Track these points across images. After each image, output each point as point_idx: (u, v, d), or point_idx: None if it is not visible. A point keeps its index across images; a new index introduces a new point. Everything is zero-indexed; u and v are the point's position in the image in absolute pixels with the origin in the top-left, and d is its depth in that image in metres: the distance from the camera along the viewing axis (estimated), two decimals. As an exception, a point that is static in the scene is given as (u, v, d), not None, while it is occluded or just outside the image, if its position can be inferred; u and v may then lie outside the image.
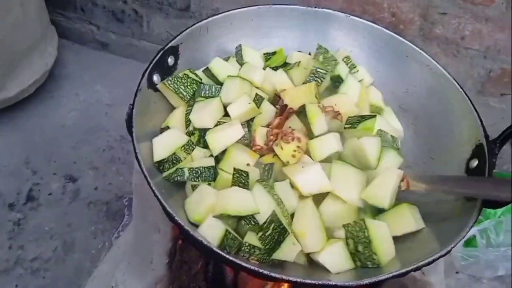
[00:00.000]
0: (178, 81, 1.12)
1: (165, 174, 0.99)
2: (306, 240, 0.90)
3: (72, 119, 2.20)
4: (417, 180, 0.95)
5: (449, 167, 1.07)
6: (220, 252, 0.82)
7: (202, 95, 1.12)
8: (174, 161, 1.00)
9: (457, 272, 1.81)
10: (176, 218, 0.85)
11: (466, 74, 1.88)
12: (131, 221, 1.77)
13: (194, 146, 1.03)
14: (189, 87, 1.13)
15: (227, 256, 0.81)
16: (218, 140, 1.03)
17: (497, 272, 1.76)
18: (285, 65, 1.25)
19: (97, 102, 2.31)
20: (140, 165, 0.91)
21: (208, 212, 0.91)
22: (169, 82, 1.11)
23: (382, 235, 0.90)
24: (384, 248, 0.90)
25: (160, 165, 1.00)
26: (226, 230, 0.87)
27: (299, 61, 1.20)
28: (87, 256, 1.76)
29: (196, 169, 0.98)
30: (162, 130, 1.08)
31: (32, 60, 2.09)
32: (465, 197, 0.95)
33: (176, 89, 1.12)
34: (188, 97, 1.12)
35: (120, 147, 2.12)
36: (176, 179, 0.98)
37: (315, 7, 1.27)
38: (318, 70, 1.15)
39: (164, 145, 1.00)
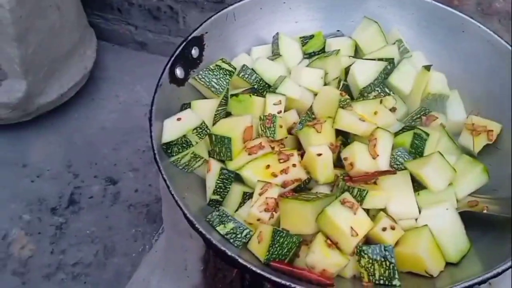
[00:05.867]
0: (209, 74, 1.04)
1: (173, 158, 0.91)
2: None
3: (112, 121, 2.19)
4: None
5: (518, 158, 0.91)
6: (243, 262, 0.72)
7: (240, 76, 1.03)
8: (184, 145, 0.91)
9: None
10: (197, 225, 0.76)
11: (534, 52, 1.66)
12: (169, 225, 1.71)
13: (207, 130, 0.93)
14: (222, 79, 1.05)
15: (249, 266, 0.71)
16: None
17: None
18: (323, 51, 1.13)
19: (137, 103, 2.28)
20: (162, 174, 0.83)
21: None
22: (200, 76, 1.04)
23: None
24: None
25: (168, 148, 0.91)
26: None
27: (338, 50, 1.07)
28: (128, 259, 1.73)
29: (223, 138, 0.90)
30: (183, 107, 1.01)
31: (71, 63, 2.08)
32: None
33: (207, 83, 1.04)
34: (222, 90, 1.03)
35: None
36: (200, 135, 0.92)
37: (354, -17, 1.14)
38: None
39: (176, 126, 0.92)
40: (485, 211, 0.84)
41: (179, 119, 0.93)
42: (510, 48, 1.01)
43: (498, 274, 0.72)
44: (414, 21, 1.13)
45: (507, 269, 0.73)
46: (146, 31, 2.41)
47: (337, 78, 1.07)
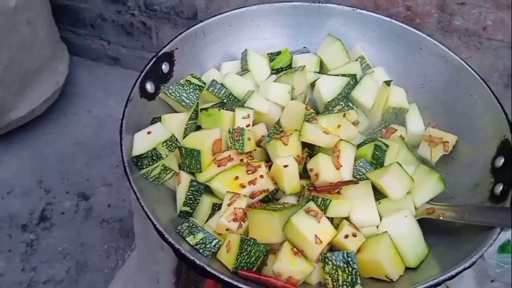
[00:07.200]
0: (179, 88, 1.07)
1: (143, 171, 0.93)
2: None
3: (85, 136, 2.17)
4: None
5: (473, 167, 0.96)
6: (213, 271, 0.74)
7: (210, 90, 1.05)
8: (154, 158, 0.94)
9: (492, 281, 1.66)
10: (166, 236, 0.78)
11: (491, 67, 1.74)
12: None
13: (177, 144, 0.95)
14: (192, 93, 1.07)
15: (220, 275, 0.74)
16: None
17: (537, 279, 1.60)
18: (290, 67, 1.17)
19: (110, 118, 2.28)
20: (132, 187, 0.85)
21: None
22: (170, 90, 1.06)
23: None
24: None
25: (139, 161, 0.93)
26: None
27: (304, 66, 1.11)
28: (101, 275, 1.71)
29: (192, 150, 0.91)
30: (153, 121, 1.03)
31: (42, 79, 2.07)
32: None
33: (178, 98, 1.06)
34: (192, 104, 1.06)
35: (132, 162, 2.07)
36: (169, 148, 0.94)
37: (319, 2, 1.19)
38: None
39: (146, 140, 0.94)
40: (441, 218, 0.89)
41: (149, 132, 0.95)
42: (463, 63, 1.07)
43: (453, 276, 0.76)
44: (375, 38, 1.18)
45: (461, 271, 0.77)
46: (119, 46, 2.42)
47: (303, 93, 1.11)
